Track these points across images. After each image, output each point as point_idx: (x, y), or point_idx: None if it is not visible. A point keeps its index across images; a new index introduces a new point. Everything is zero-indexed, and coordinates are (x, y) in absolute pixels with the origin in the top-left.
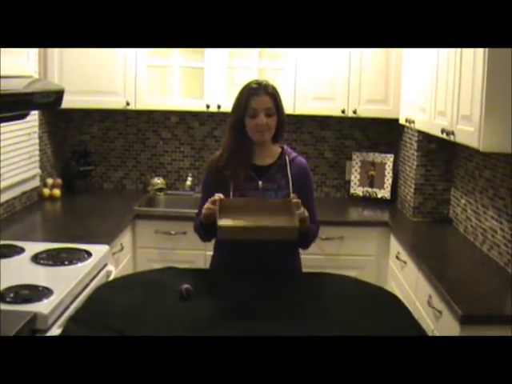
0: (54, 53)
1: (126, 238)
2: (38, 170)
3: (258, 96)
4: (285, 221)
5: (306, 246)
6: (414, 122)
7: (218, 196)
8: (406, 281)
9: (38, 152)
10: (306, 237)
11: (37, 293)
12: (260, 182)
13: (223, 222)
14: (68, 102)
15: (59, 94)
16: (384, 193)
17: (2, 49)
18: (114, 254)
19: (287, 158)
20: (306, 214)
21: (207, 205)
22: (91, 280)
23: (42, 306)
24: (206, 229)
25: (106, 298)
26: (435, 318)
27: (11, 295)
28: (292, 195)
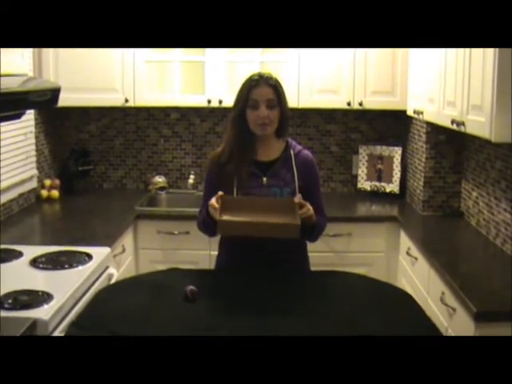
0: (49, 50)
1: (127, 240)
2: (35, 171)
3: (259, 87)
4: (286, 218)
5: (313, 238)
6: (422, 113)
7: (221, 194)
8: (417, 277)
9: (34, 152)
10: (313, 230)
11: (36, 298)
12: (264, 179)
13: (223, 217)
14: (65, 100)
15: (55, 92)
16: (392, 187)
17: None
18: (115, 256)
19: (292, 151)
20: (311, 211)
21: (212, 201)
22: (92, 283)
23: (42, 312)
24: (210, 224)
25: (108, 301)
26: (449, 316)
27: (10, 301)
28: (298, 195)
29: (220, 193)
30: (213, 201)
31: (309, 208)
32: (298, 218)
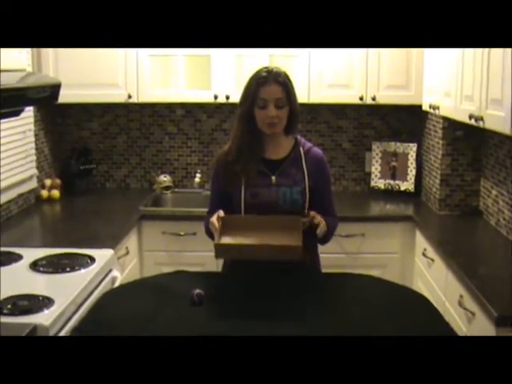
0: None
1: (131, 241)
2: (34, 171)
3: (267, 85)
4: (288, 239)
5: (324, 241)
6: (438, 107)
7: (220, 214)
8: (434, 280)
9: (34, 151)
10: (324, 236)
11: (36, 303)
12: (273, 178)
13: (220, 240)
14: (65, 97)
15: (55, 88)
16: (407, 185)
17: None
18: (119, 258)
19: (302, 149)
20: (322, 224)
21: (213, 219)
22: (95, 287)
23: (43, 318)
24: (211, 236)
25: (111, 306)
26: (468, 320)
27: (9, 306)
28: (311, 213)
29: (221, 213)
30: (214, 219)
31: (322, 227)
32: (301, 238)
